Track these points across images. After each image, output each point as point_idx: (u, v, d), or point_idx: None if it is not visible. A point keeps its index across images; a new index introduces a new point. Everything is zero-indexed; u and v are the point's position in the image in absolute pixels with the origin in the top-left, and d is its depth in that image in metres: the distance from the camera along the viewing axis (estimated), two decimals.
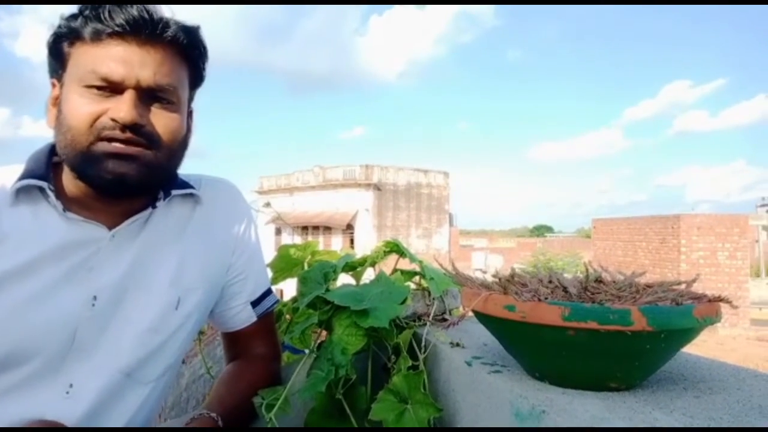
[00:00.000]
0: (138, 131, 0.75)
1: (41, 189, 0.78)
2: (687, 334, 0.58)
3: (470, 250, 33.47)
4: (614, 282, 0.69)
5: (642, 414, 0.54)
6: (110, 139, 0.74)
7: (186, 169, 0.92)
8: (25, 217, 0.77)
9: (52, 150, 0.81)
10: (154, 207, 0.84)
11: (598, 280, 0.69)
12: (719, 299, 0.61)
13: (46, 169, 0.80)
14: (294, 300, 1.12)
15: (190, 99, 0.88)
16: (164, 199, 0.85)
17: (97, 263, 0.80)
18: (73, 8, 0.76)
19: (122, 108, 0.73)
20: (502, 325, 0.65)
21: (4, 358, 0.74)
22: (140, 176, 0.76)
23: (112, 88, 0.74)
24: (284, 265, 1.20)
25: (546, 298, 0.60)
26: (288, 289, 1.13)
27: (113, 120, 0.73)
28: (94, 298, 0.79)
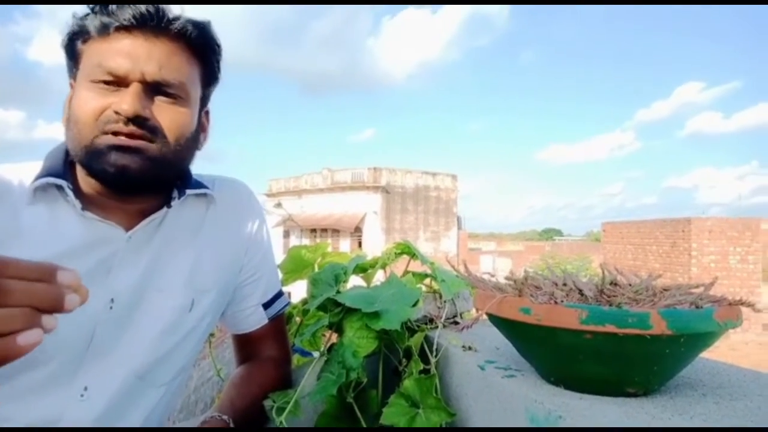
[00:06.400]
0: (142, 124, 0.74)
1: (59, 187, 0.77)
2: (707, 338, 0.56)
3: (478, 254, 33.37)
4: (630, 285, 0.68)
5: (661, 420, 0.53)
6: (114, 133, 0.74)
7: (201, 171, 0.92)
8: (43, 215, 0.77)
9: (68, 149, 0.81)
10: (169, 206, 0.84)
11: (614, 283, 0.68)
12: (740, 302, 0.59)
13: (64, 167, 0.80)
14: (304, 302, 1.12)
15: (205, 98, 0.87)
16: (179, 199, 0.85)
17: (115, 265, 0.80)
18: (81, 7, 0.77)
19: (126, 100, 0.73)
20: (516, 328, 0.64)
21: (21, 360, 0.74)
22: (143, 169, 0.75)
23: (118, 82, 0.74)
24: (294, 266, 1.20)
25: (562, 301, 0.59)
26: (297, 290, 1.13)
27: (116, 113, 0.73)
28: (112, 300, 0.79)
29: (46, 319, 0.43)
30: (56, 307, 0.43)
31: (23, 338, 0.41)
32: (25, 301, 0.41)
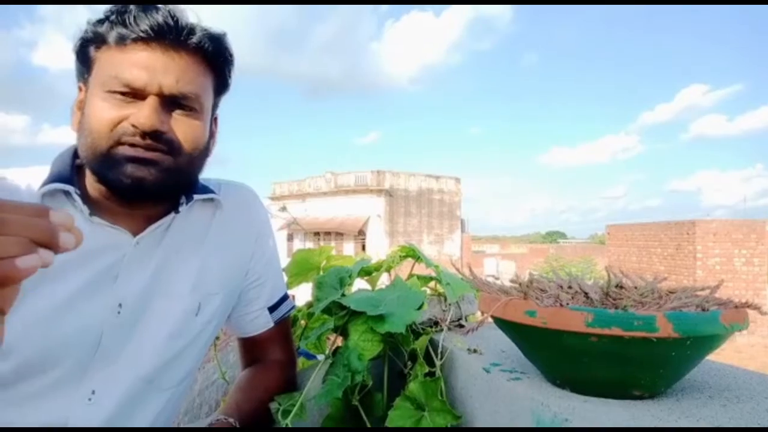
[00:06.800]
0: (158, 138, 0.75)
1: (66, 193, 0.78)
2: (713, 340, 0.56)
3: (482, 256, 33.30)
4: (636, 288, 0.68)
5: (668, 423, 0.53)
6: (130, 144, 0.74)
7: (206, 175, 0.92)
8: None
9: (75, 153, 0.81)
10: (177, 212, 0.84)
11: (619, 286, 0.68)
12: (746, 305, 0.59)
13: (71, 172, 0.80)
14: (309, 305, 1.12)
15: (215, 106, 0.87)
16: (186, 204, 0.85)
17: (122, 270, 0.80)
18: (98, 12, 0.76)
19: (143, 114, 0.73)
20: (522, 330, 0.64)
21: (30, 364, 0.75)
22: (158, 181, 0.75)
23: (134, 93, 0.74)
24: (299, 269, 1.20)
25: (567, 304, 0.59)
26: (302, 293, 1.13)
27: (134, 126, 0.73)
28: (120, 305, 0.79)
29: (43, 253, 0.45)
30: (51, 240, 0.45)
31: (22, 261, 0.43)
32: (21, 232, 0.44)
